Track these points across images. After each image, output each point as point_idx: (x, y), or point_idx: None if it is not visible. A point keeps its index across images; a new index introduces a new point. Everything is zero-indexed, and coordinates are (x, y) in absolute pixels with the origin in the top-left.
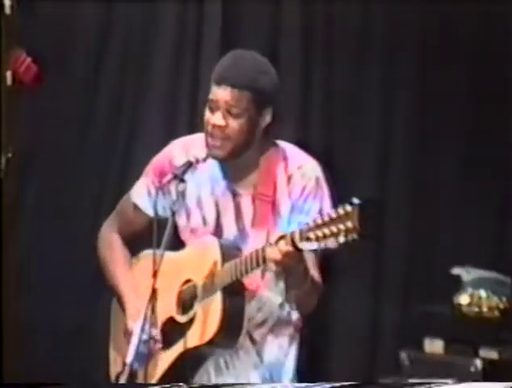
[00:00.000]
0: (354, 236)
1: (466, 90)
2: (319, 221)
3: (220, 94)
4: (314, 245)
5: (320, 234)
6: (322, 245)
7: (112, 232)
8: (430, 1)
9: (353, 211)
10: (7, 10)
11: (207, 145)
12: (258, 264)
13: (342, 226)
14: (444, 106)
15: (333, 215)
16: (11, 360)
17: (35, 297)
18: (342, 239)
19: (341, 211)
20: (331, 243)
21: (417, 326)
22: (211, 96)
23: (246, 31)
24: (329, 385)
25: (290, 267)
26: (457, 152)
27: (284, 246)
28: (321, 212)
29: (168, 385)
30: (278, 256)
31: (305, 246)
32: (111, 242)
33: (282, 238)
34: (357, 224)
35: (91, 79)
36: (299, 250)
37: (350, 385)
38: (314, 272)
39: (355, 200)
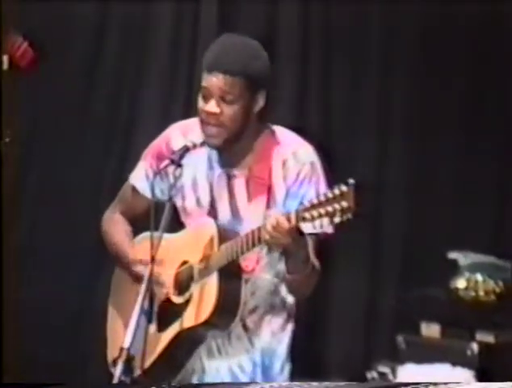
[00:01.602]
0: (350, 216)
1: (465, 88)
2: (314, 201)
3: (213, 81)
4: (309, 225)
5: (315, 213)
6: (318, 224)
7: (115, 213)
8: (429, 1)
9: (348, 191)
10: None
11: (203, 133)
12: (253, 244)
13: (337, 206)
14: (444, 88)
15: (329, 195)
16: (12, 352)
17: (35, 283)
18: (337, 219)
19: (336, 191)
20: (326, 223)
21: (414, 310)
22: (203, 84)
23: (242, 27)
24: (322, 385)
25: (291, 250)
26: (456, 138)
27: (280, 223)
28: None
29: None
30: (272, 232)
31: (301, 226)
32: (114, 219)
33: (278, 219)
34: (352, 204)
35: (89, 66)
36: (296, 231)
37: (344, 384)
38: (314, 258)
39: (350, 181)
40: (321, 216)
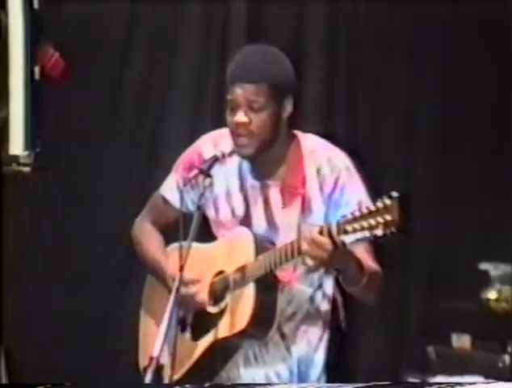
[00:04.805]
0: (393, 229)
1: (492, 88)
2: (357, 214)
3: (238, 92)
4: (351, 238)
5: (357, 226)
6: (360, 237)
7: (146, 223)
8: (455, 1)
9: (392, 204)
10: (36, 5)
11: (235, 144)
12: (292, 256)
13: (380, 219)
14: (470, 100)
15: (372, 208)
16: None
17: (63, 289)
18: (379, 232)
19: (380, 204)
20: (368, 236)
21: (445, 321)
22: (229, 96)
23: (272, 30)
24: (361, 385)
25: (338, 265)
26: (483, 148)
27: (319, 238)
28: (359, 203)
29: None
30: (313, 248)
31: (343, 238)
32: (145, 229)
33: (320, 232)
34: (396, 217)
35: (117, 74)
36: (335, 244)
37: (377, 385)
38: (371, 264)
39: (394, 194)
40: (363, 228)
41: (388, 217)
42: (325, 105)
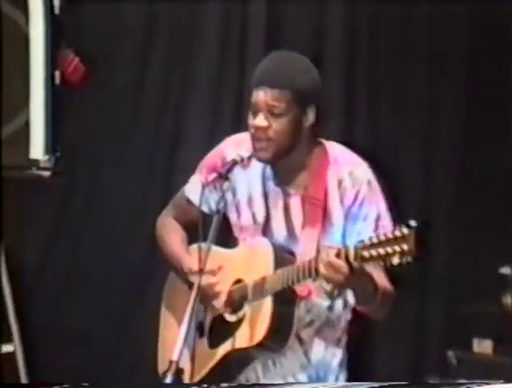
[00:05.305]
0: (409, 259)
1: None
2: (375, 240)
3: (260, 95)
4: (367, 263)
5: (374, 253)
6: (376, 264)
7: (169, 217)
8: (475, 2)
9: (410, 234)
10: (56, 11)
11: (253, 148)
12: (310, 275)
13: (397, 248)
14: (492, 106)
15: (390, 236)
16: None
17: (84, 291)
18: (396, 261)
19: (397, 232)
20: (385, 263)
21: (466, 326)
22: (252, 100)
23: (291, 30)
24: (377, 385)
25: (355, 287)
26: (505, 152)
27: (336, 261)
28: (378, 217)
29: None
30: (330, 271)
31: (359, 264)
32: (169, 224)
33: (336, 255)
34: (413, 247)
35: (136, 80)
36: (352, 268)
37: (396, 385)
38: (385, 283)
39: (412, 223)
40: (379, 256)
41: (406, 247)
42: (345, 106)
